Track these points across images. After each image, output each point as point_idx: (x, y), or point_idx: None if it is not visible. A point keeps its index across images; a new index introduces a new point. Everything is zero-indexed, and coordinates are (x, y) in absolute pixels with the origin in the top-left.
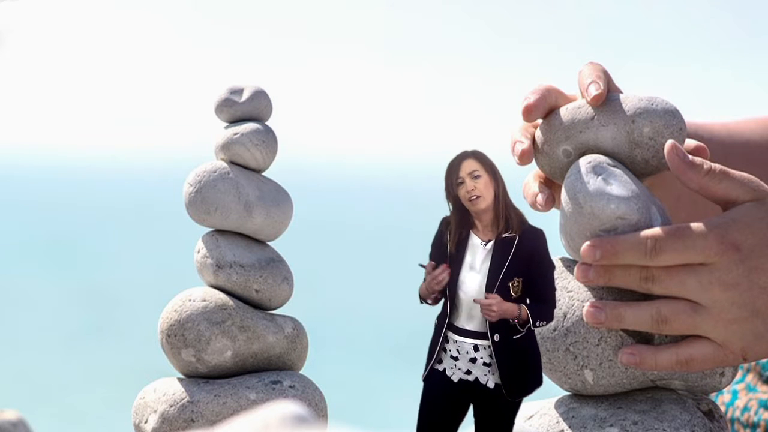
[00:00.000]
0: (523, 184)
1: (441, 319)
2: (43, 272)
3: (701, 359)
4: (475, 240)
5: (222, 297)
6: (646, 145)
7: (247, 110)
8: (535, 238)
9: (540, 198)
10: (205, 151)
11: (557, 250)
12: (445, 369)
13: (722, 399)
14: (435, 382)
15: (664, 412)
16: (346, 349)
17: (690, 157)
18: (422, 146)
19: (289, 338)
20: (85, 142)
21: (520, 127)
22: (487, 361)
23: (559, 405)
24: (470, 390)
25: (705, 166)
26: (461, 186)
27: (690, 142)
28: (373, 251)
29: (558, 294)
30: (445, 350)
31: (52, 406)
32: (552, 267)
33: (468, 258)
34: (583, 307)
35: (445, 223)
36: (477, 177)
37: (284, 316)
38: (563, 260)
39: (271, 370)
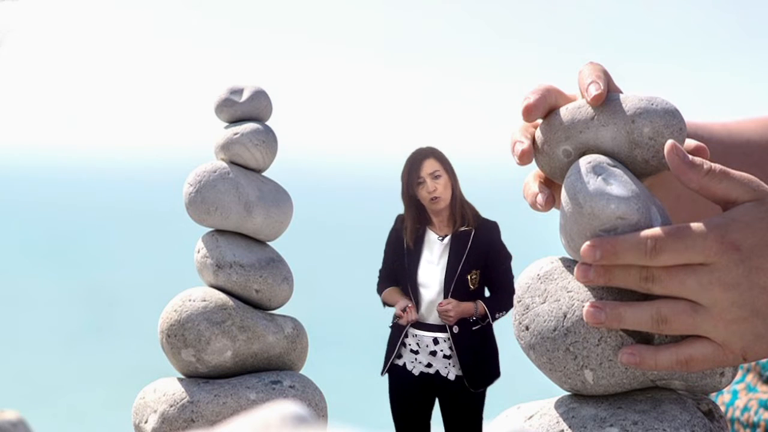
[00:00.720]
0: (523, 184)
1: None
2: (43, 272)
3: (701, 359)
4: (431, 236)
5: (222, 297)
6: (646, 145)
7: (247, 110)
8: (490, 230)
9: (540, 198)
10: (205, 151)
11: (557, 250)
12: (405, 363)
13: (722, 399)
14: (396, 378)
15: (664, 412)
16: (346, 349)
17: (690, 157)
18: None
19: (289, 338)
20: (85, 142)
21: (520, 127)
22: (447, 353)
23: (559, 405)
24: (432, 383)
25: (705, 166)
26: (422, 186)
27: (690, 142)
28: (373, 251)
29: (558, 294)
30: (404, 345)
31: (52, 406)
32: (509, 257)
33: (426, 253)
34: (583, 307)
35: (400, 220)
36: (437, 177)
37: (284, 316)
38: (563, 260)
39: (271, 370)
